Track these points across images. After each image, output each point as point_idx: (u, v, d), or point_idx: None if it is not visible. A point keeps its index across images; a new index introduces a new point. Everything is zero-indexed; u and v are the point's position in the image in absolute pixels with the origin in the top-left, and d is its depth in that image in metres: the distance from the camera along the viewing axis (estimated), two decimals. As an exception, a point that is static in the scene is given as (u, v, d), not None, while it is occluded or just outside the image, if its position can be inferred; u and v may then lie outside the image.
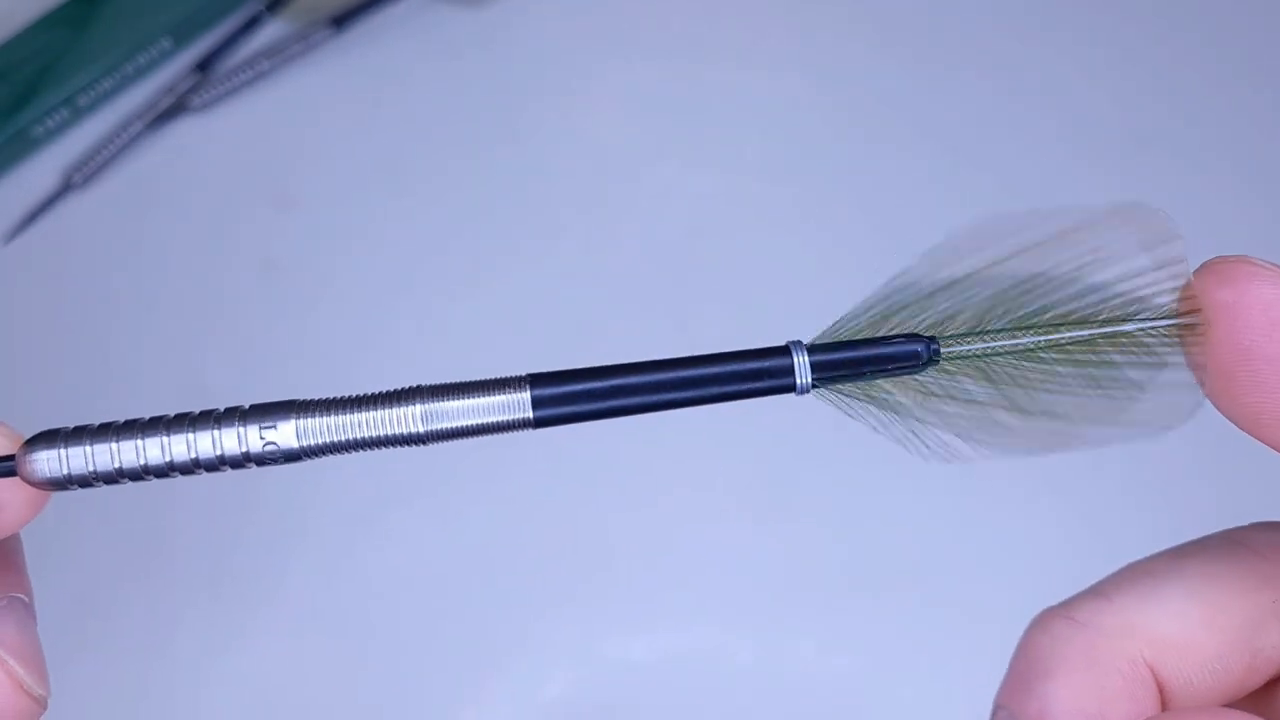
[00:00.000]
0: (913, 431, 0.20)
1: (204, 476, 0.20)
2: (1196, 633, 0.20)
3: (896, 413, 0.20)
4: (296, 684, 0.48)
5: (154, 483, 0.20)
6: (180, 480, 0.20)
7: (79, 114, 0.61)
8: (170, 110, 0.61)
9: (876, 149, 0.60)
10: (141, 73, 0.62)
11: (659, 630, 0.49)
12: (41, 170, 0.60)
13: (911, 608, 0.50)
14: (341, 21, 0.62)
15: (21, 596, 0.21)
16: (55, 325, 0.56)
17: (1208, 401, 0.20)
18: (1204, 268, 0.19)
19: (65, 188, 0.59)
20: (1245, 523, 0.22)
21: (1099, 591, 0.21)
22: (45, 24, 0.61)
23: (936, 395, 0.20)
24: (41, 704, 0.20)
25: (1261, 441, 0.19)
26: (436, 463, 0.52)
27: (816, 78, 0.63)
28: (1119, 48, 0.64)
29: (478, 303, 0.56)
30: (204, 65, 0.62)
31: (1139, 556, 0.22)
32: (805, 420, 0.53)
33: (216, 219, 0.59)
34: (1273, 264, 0.19)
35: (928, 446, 0.20)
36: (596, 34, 0.64)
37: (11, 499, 0.20)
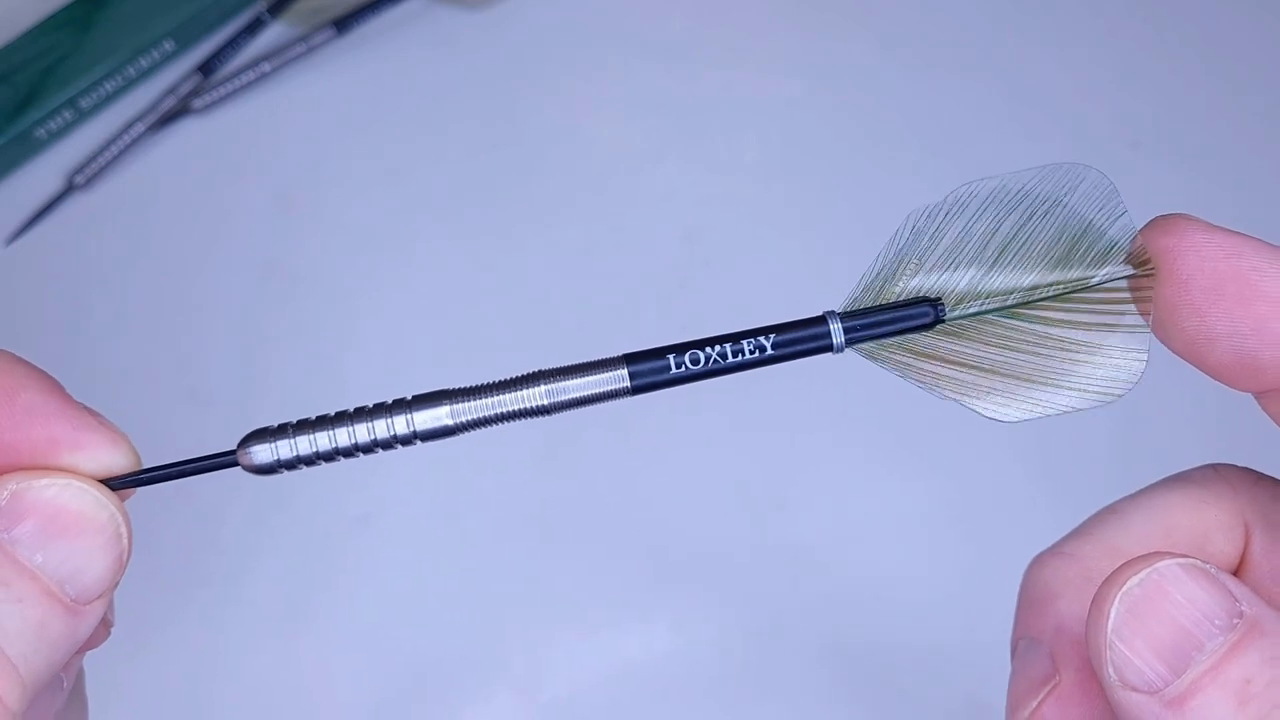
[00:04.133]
0: (934, 380, 0.24)
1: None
2: (1159, 546, 0.24)
3: (917, 364, 0.24)
4: (295, 685, 0.49)
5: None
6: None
7: (82, 116, 0.61)
8: (172, 112, 0.61)
9: (874, 149, 0.61)
10: (144, 75, 0.62)
11: (657, 630, 0.50)
12: (44, 171, 0.60)
13: (910, 608, 0.50)
14: (342, 24, 0.62)
15: None
16: (57, 325, 0.56)
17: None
18: (1150, 224, 0.23)
19: (68, 189, 0.59)
20: None
21: (1079, 531, 0.25)
22: (48, 26, 0.61)
23: (948, 348, 0.24)
24: (109, 630, 0.25)
25: (1198, 366, 0.23)
26: (433, 462, 0.52)
27: (815, 78, 0.63)
28: (1115, 51, 0.64)
29: (478, 303, 0.56)
30: (206, 67, 0.62)
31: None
32: (804, 421, 0.54)
33: (218, 220, 0.59)
34: (1203, 220, 0.23)
35: (948, 394, 0.24)
36: (596, 34, 0.64)
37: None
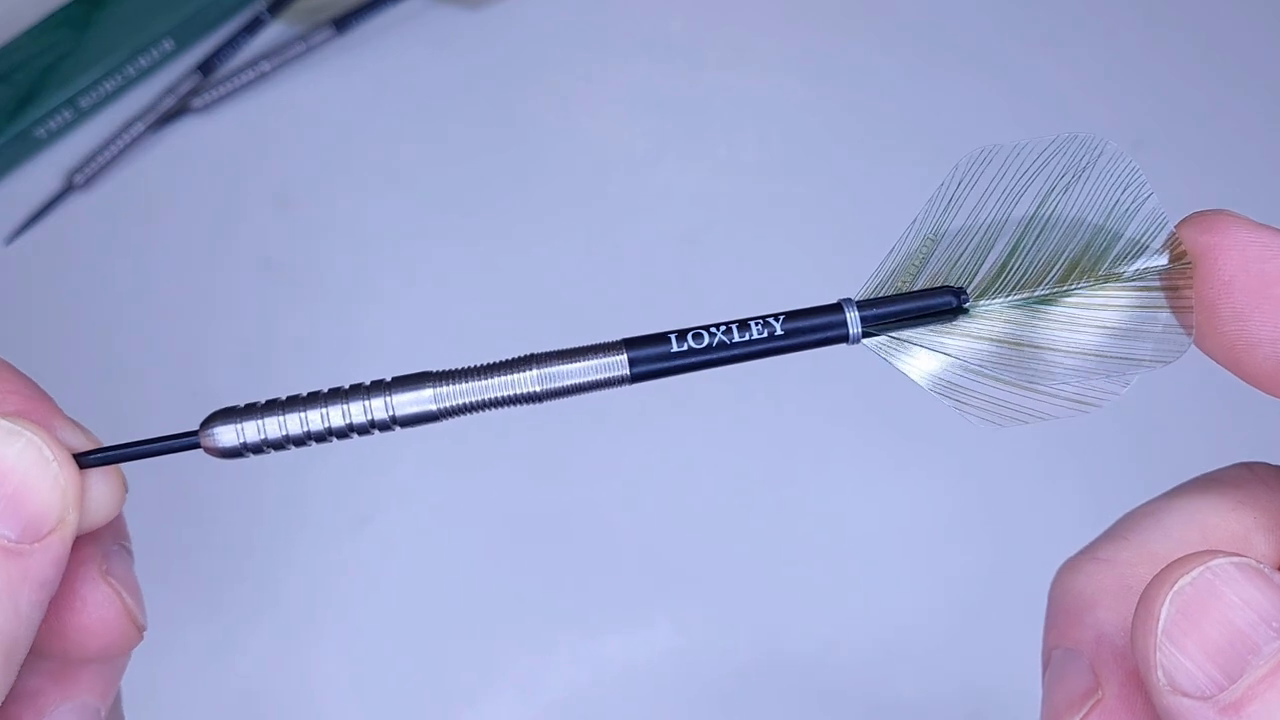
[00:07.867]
0: (950, 385, 0.22)
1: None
2: (1199, 549, 0.22)
3: (936, 361, 0.22)
4: (296, 685, 0.49)
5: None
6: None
7: (81, 115, 0.61)
8: (172, 111, 0.61)
9: (874, 149, 0.61)
10: (143, 74, 0.62)
11: (658, 631, 0.50)
12: (44, 171, 0.60)
13: (906, 607, 0.50)
14: (342, 23, 0.62)
15: (127, 545, 0.24)
16: (57, 325, 0.56)
17: (1193, 350, 0.22)
18: (1188, 219, 0.22)
19: (67, 188, 0.59)
20: None
21: (1111, 535, 0.24)
22: (48, 25, 0.61)
23: (968, 344, 0.22)
24: (142, 633, 0.24)
25: (1234, 371, 0.22)
26: (435, 464, 0.52)
27: (815, 78, 0.63)
28: (1117, 50, 0.64)
29: (477, 303, 0.56)
30: (205, 67, 0.62)
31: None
32: (804, 422, 0.54)
33: (217, 219, 0.59)
34: (1245, 216, 0.21)
35: (964, 404, 0.22)
36: (596, 34, 0.64)
37: (105, 493, 0.22)
